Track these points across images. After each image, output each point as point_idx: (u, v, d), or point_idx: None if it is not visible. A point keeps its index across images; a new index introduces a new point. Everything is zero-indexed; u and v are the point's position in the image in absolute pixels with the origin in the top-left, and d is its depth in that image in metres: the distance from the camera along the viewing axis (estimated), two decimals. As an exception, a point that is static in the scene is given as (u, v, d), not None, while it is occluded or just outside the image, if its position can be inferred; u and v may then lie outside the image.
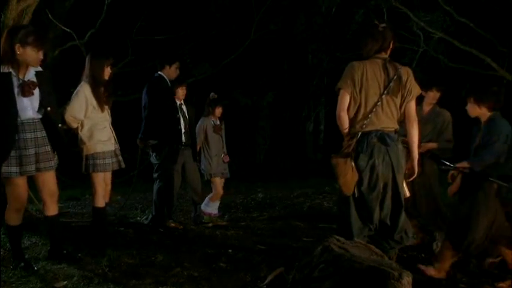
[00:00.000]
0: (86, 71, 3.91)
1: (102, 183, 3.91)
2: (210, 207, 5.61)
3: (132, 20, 9.79)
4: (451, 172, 3.84)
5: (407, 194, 3.49)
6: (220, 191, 5.61)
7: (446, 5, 9.19)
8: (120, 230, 4.71)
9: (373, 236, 3.36)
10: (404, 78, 3.29)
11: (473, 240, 3.50)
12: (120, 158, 4.09)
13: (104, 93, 3.94)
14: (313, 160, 15.51)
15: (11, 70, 3.26)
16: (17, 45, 3.23)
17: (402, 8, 8.83)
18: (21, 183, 3.35)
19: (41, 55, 3.36)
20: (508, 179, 3.51)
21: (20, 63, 3.28)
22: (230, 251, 4.12)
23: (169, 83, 4.95)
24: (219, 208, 5.72)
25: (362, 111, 3.26)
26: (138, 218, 5.19)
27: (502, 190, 3.55)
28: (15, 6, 4.48)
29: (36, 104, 3.33)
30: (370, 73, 3.24)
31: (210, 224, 5.39)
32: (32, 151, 3.29)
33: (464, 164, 3.63)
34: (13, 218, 3.41)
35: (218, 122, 5.68)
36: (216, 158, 5.55)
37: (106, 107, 4.00)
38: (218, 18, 11.23)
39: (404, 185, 3.44)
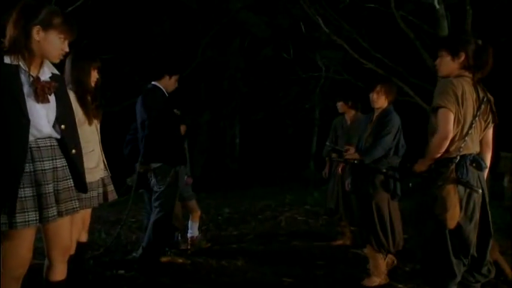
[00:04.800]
0: (67, 77, 2.49)
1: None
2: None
3: (76, 38, 7.96)
4: (341, 164, 3.44)
5: None
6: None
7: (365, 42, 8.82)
8: (120, 273, 3.17)
9: None
10: (492, 101, 2.43)
11: (388, 237, 3.12)
12: (110, 187, 2.65)
13: (91, 103, 2.55)
14: (233, 170, 14.77)
15: (20, 63, 1.81)
16: (36, 28, 1.81)
17: (337, 40, 8.14)
18: (29, 236, 1.87)
19: (66, 46, 1.90)
20: (395, 171, 3.10)
21: (33, 55, 1.84)
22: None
23: (167, 96, 3.53)
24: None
25: (459, 133, 2.33)
26: (134, 254, 3.63)
27: (390, 183, 3.10)
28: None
29: (53, 117, 1.88)
30: (467, 92, 2.33)
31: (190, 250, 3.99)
32: (51, 188, 1.85)
33: (354, 155, 3.21)
34: None
35: None
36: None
37: (95, 120, 2.59)
38: (159, 42, 9.71)
39: None
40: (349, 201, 3.89)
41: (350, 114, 4.22)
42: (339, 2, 9.13)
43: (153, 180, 3.37)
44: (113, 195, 2.61)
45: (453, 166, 2.26)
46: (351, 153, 3.29)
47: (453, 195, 2.21)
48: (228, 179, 12.20)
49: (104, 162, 2.62)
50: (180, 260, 3.48)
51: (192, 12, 9.70)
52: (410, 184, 3.25)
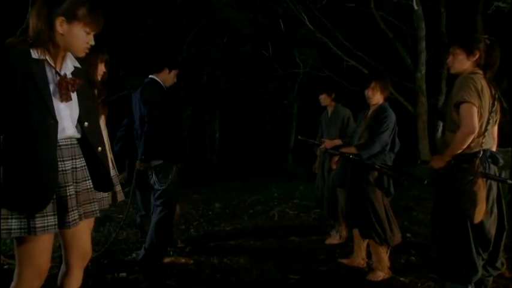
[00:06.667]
0: None
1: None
2: None
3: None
4: (336, 157, 3.25)
5: None
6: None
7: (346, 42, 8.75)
8: (122, 276, 2.89)
9: None
10: (502, 99, 2.33)
11: (386, 231, 2.96)
12: (118, 187, 2.36)
13: (97, 98, 2.23)
14: (213, 163, 14.52)
15: (46, 58, 1.55)
16: (59, 20, 1.57)
17: (322, 38, 8.05)
18: (48, 243, 1.61)
19: (91, 40, 1.65)
20: (389, 168, 2.96)
21: (57, 49, 1.58)
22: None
23: (165, 90, 3.25)
24: None
25: (479, 128, 2.21)
26: (134, 255, 3.34)
27: (384, 180, 2.96)
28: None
29: (76, 115, 1.66)
30: (484, 88, 2.22)
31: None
32: (72, 190, 1.61)
33: (351, 150, 3.02)
34: None
35: None
36: None
37: (102, 116, 2.31)
38: (141, 37, 9.28)
39: None
40: (333, 196, 3.75)
41: (331, 107, 4.02)
42: (318, 2, 9.02)
43: (153, 178, 3.09)
44: (121, 196, 2.33)
45: (478, 161, 2.15)
46: (330, 144, 3.20)
47: (482, 189, 2.10)
48: (209, 172, 11.94)
49: (111, 161, 2.33)
50: (183, 260, 3.22)
51: (176, 8, 9.31)
52: (405, 182, 3.13)
